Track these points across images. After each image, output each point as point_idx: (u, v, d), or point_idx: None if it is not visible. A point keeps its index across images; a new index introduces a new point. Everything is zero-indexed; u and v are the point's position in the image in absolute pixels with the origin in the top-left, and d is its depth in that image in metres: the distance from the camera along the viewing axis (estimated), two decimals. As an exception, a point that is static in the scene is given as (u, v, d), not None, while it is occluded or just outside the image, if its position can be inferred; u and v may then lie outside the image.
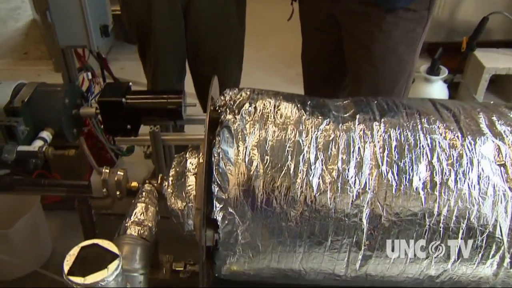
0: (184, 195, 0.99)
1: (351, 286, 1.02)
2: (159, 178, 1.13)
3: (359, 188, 0.89)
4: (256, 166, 0.90)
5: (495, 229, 0.90)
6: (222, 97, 1.03)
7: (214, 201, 0.91)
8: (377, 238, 0.91)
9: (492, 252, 0.92)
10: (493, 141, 0.93)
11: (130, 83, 1.26)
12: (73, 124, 1.26)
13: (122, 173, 1.13)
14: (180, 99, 1.19)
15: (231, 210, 0.90)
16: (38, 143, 1.17)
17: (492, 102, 1.12)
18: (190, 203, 0.98)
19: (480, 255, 0.93)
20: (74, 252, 0.73)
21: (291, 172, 0.89)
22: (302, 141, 0.92)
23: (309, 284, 1.03)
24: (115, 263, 0.70)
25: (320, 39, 1.58)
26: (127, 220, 1.02)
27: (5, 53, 2.69)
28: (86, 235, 1.26)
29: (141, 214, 1.03)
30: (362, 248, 0.92)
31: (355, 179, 0.89)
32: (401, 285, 1.00)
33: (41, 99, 1.21)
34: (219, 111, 1.00)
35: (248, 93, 1.04)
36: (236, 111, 0.96)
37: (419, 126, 0.96)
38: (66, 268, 0.70)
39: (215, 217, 0.91)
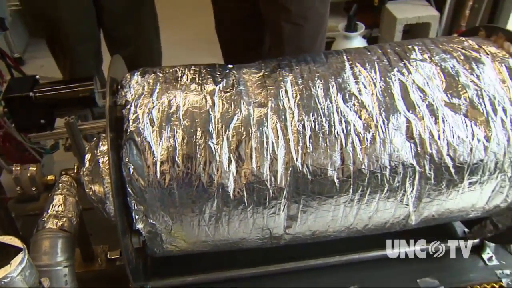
0: (100, 181, 0.95)
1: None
2: (75, 167, 1.07)
3: (274, 186, 0.89)
4: (170, 180, 0.87)
5: (402, 200, 0.96)
6: (122, 92, 0.93)
7: (133, 214, 0.90)
8: (294, 227, 0.95)
9: (400, 218, 1.00)
10: (405, 116, 0.93)
11: (37, 76, 1.12)
12: None
13: (34, 169, 1.06)
14: (91, 86, 1.06)
15: (152, 221, 0.91)
16: None
17: (410, 45, 1.07)
18: (107, 188, 0.94)
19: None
20: None
21: (205, 181, 0.87)
22: (213, 144, 0.88)
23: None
24: (18, 257, 0.66)
25: (234, 5, 1.49)
26: (44, 215, 0.98)
27: None
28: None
29: (58, 206, 1.00)
30: (283, 235, 0.97)
31: (270, 178, 0.89)
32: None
33: None
34: (122, 111, 0.91)
35: (151, 83, 0.95)
36: (140, 118, 0.88)
37: (334, 107, 0.93)
38: None
39: (136, 228, 0.91)
